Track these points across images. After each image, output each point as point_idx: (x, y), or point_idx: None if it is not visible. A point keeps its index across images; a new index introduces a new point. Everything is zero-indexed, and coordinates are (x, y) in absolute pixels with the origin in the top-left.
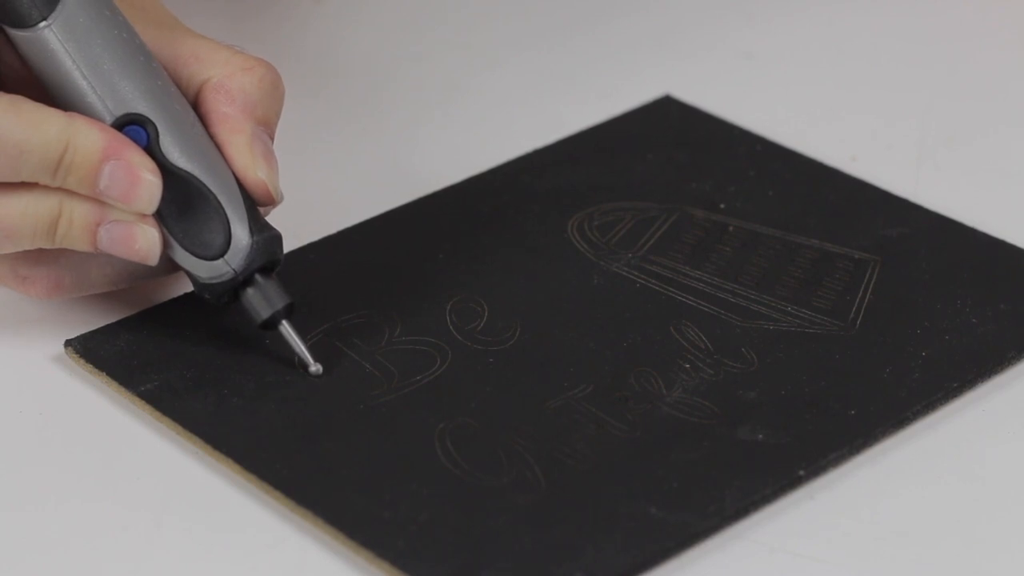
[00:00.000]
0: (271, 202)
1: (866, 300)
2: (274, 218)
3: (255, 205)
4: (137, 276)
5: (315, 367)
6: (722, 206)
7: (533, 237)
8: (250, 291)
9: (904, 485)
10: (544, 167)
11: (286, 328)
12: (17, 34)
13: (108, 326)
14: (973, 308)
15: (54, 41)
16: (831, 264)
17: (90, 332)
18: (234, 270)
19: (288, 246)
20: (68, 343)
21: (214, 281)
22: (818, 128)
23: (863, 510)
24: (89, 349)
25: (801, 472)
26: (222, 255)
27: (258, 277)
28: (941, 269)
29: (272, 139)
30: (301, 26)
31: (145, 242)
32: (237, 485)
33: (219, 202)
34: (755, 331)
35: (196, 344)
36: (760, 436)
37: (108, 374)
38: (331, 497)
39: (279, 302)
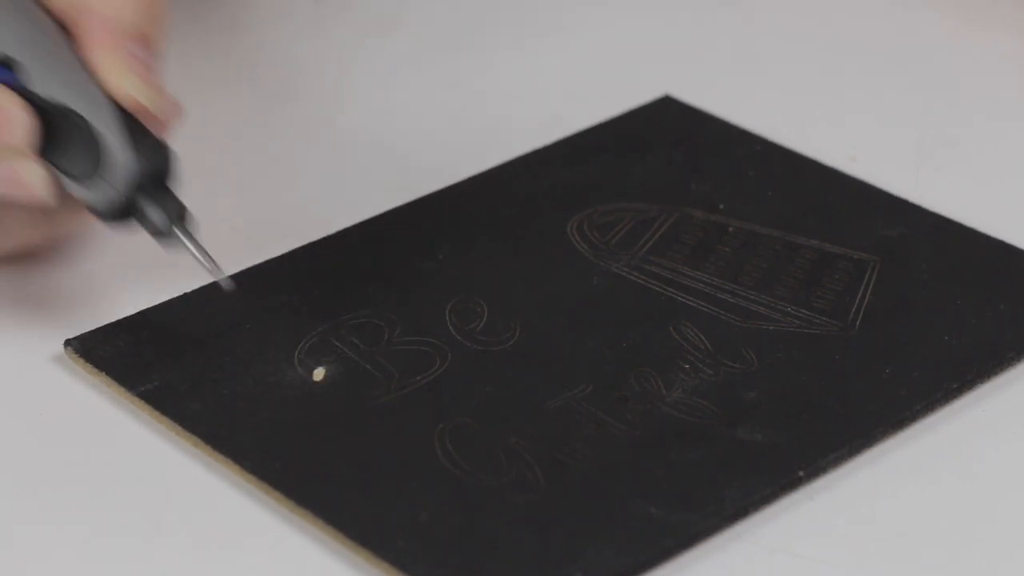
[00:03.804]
0: (152, 117)
1: (866, 300)
2: (275, 218)
3: (138, 122)
4: (56, 223)
5: (223, 278)
6: (722, 206)
7: (533, 237)
8: (143, 206)
9: (904, 485)
10: (544, 167)
11: (181, 235)
12: None
13: (108, 326)
14: (973, 308)
15: None
16: (831, 264)
17: (90, 332)
18: (118, 189)
19: (289, 246)
20: (68, 343)
21: (105, 203)
22: (818, 128)
23: (863, 510)
24: (89, 349)
25: (801, 472)
26: (101, 176)
27: (151, 191)
28: (941, 269)
29: (156, 53)
30: (300, 27)
31: (32, 178)
32: (237, 485)
33: (93, 127)
34: (755, 331)
35: (196, 344)
36: (760, 436)
37: (108, 374)
38: (331, 497)
39: (172, 208)
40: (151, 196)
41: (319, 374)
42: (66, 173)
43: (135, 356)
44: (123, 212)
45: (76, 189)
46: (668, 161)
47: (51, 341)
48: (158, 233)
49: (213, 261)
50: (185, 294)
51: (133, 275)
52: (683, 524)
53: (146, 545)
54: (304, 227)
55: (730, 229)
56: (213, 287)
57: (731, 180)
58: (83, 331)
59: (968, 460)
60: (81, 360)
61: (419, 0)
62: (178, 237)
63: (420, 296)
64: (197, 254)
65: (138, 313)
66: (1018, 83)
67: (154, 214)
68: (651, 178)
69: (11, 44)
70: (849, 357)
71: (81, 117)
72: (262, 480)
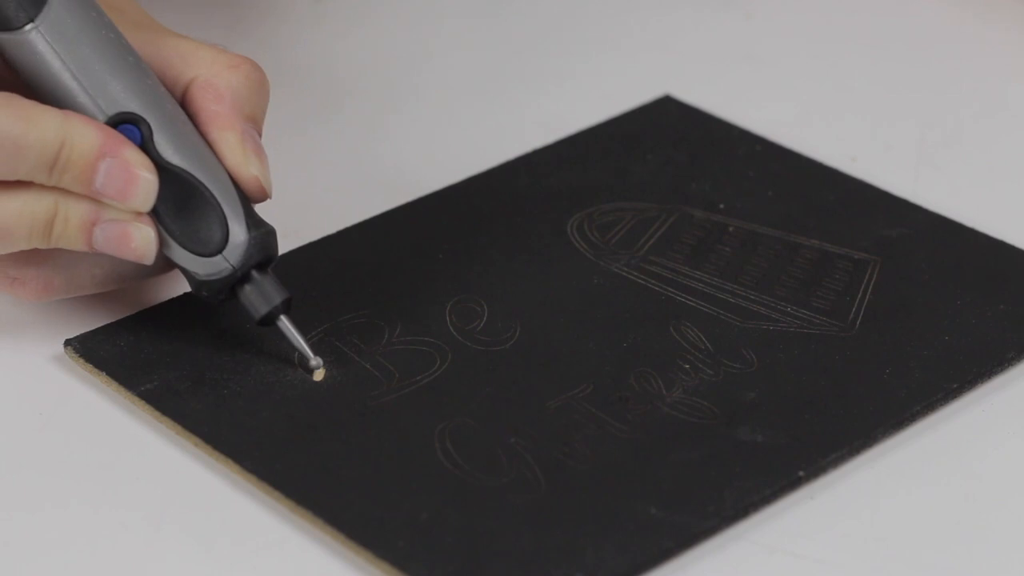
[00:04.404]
0: (264, 197)
1: (866, 300)
2: (275, 218)
3: (249, 201)
4: (128, 276)
5: (315, 361)
6: (722, 206)
7: (533, 237)
8: (248, 287)
9: (904, 485)
10: (544, 167)
11: (285, 323)
12: (3, 37)
13: (108, 326)
14: (973, 308)
15: (41, 43)
16: (831, 264)
17: (90, 332)
18: (232, 266)
19: (288, 246)
20: (68, 343)
21: (212, 278)
22: (818, 128)
23: (863, 510)
24: (89, 349)
25: (801, 473)
26: (220, 252)
27: (255, 273)
28: (941, 269)
29: (260, 135)
30: (301, 27)
31: (141, 241)
32: (237, 485)
33: (215, 198)
34: (755, 331)
35: (196, 344)
36: (760, 437)
37: (108, 374)
38: (331, 497)
39: (277, 297)
40: (257, 280)
41: (319, 374)
42: (175, 238)
43: (135, 356)
44: (225, 289)
45: (179, 254)
46: (668, 161)
47: (51, 341)
48: (259, 316)
49: (309, 349)
50: (185, 294)
51: None
52: (683, 524)
53: (146, 545)
54: (304, 227)
55: (730, 229)
56: None
57: (731, 180)
58: (83, 331)
59: (968, 460)
60: (81, 360)
61: (418, 0)
62: (280, 326)
63: (420, 296)
64: (295, 342)
65: (138, 313)
66: (1018, 83)
67: (259, 301)
68: (651, 178)
69: (138, 104)
70: (849, 357)
71: (205, 187)
72: (262, 480)
